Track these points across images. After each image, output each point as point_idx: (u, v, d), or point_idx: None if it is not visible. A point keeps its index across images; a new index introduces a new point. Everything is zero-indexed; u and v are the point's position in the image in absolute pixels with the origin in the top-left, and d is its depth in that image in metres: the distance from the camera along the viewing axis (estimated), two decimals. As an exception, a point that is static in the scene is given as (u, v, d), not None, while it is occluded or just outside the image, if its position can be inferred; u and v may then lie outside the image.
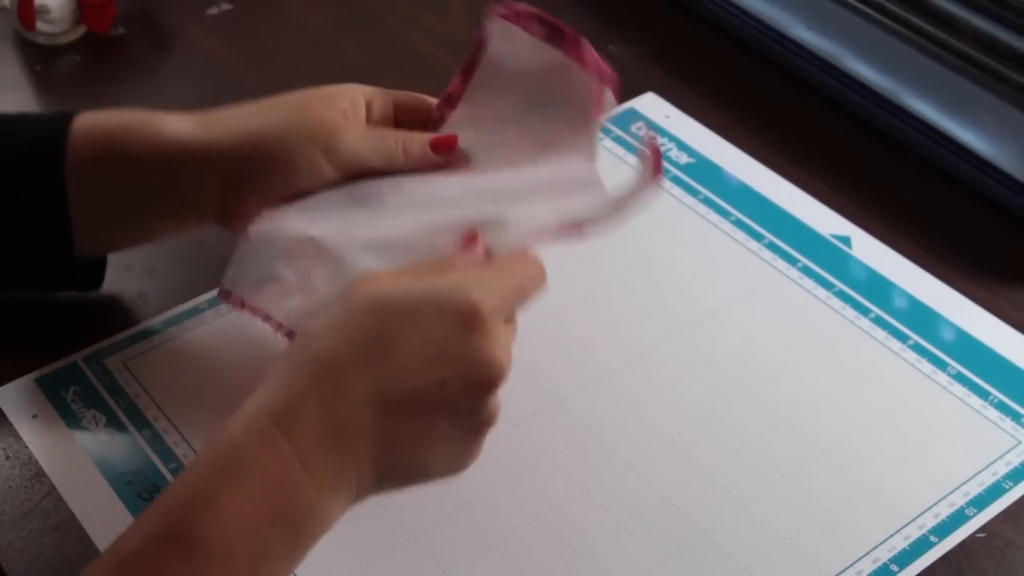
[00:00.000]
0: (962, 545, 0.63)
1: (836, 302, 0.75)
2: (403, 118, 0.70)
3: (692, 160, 0.85)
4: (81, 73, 0.93)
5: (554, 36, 0.68)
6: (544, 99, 0.69)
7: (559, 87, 0.69)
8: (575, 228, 0.63)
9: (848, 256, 0.78)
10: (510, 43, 0.69)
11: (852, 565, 0.62)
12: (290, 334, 0.64)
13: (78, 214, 0.67)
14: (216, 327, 0.73)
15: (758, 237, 0.79)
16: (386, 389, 0.54)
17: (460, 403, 0.55)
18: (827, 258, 0.78)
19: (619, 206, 0.64)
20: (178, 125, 0.67)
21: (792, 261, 0.78)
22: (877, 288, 0.76)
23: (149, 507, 0.52)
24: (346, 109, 0.67)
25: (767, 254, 0.78)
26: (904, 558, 0.62)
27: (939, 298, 0.76)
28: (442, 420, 0.55)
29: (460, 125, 0.70)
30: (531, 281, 0.60)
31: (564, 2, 0.99)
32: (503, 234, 0.63)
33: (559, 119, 0.69)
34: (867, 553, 0.62)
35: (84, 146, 0.66)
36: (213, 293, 0.74)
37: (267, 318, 0.65)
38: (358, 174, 0.67)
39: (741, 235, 0.79)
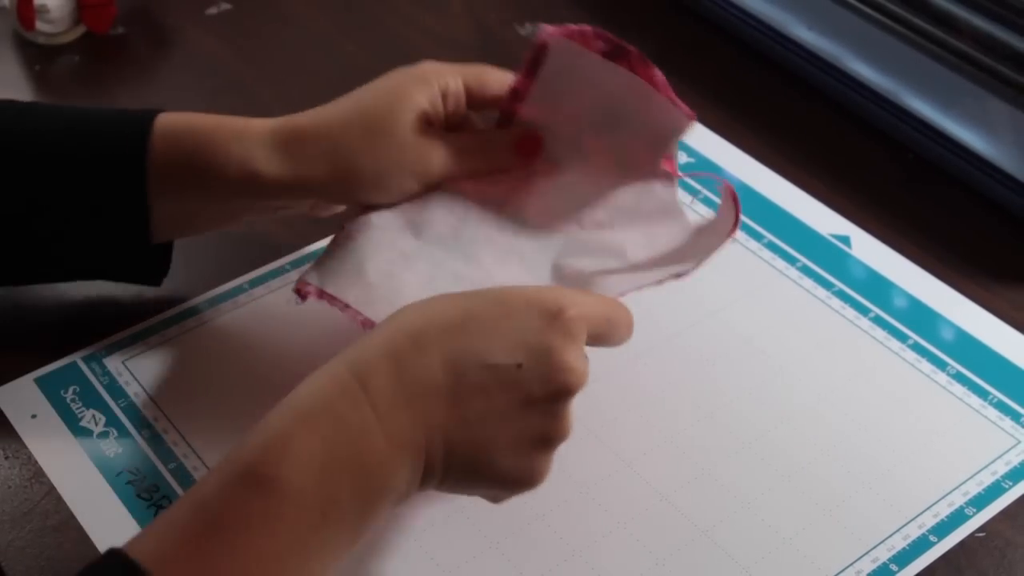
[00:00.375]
0: (962, 544, 0.63)
1: (836, 302, 0.75)
2: (474, 101, 0.71)
3: (691, 160, 0.85)
4: (81, 73, 0.93)
5: (619, 54, 0.68)
6: (617, 115, 0.69)
7: (634, 106, 0.69)
8: (656, 283, 0.65)
9: (848, 256, 0.78)
10: (572, 57, 0.69)
11: (851, 565, 0.62)
12: (367, 323, 0.64)
13: (159, 218, 0.68)
14: (217, 326, 0.73)
15: (757, 237, 0.79)
16: (463, 359, 0.55)
17: (534, 396, 0.55)
18: (827, 258, 0.78)
19: (699, 260, 0.65)
20: (266, 155, 0.67)
21: (791, 261, 0.78)
22: (877, 288, 0.76)
23: (228, 452, 0.53)
24: (430, 116, 0.69)
25: (767, 254, 0.78)
26: (903, 557, 0.62)
27: (939, 298, 0.76)
28: (514, 409, 0.55)
29: (533, 125, 0.71)
30: (619, 320, 0.61)
31: (563, 2, 1.00)
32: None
33: (637, 140, 0.69)
34: (866, 553, 0.63)
35: (167, 155, 0.67)
36: (214, 292, 0.75)
37: (345, 307, 0.65)
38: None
39: (740, 235, 0.79)
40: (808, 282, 0.76)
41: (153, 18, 0.98)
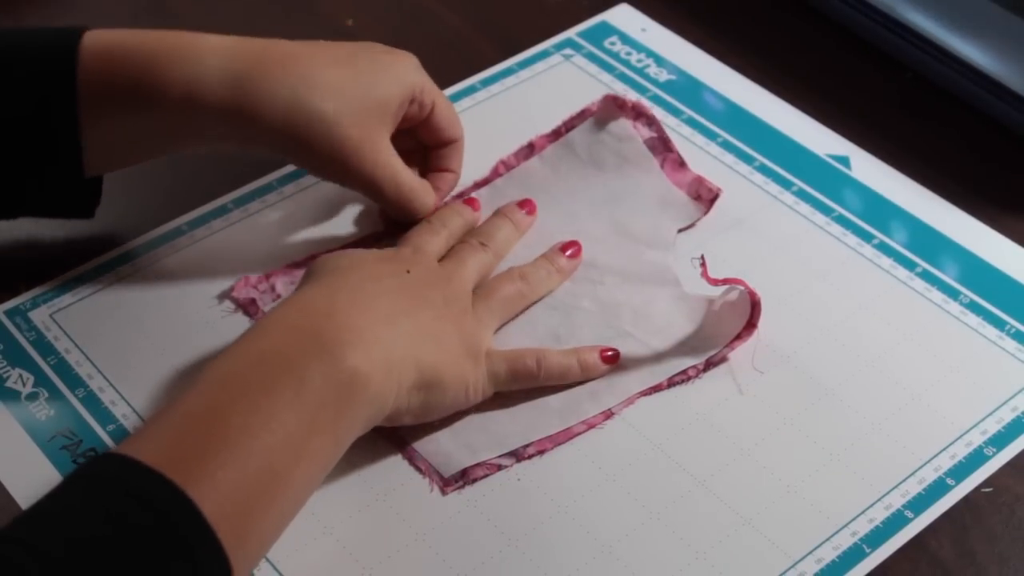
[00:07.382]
0: (966, 500, 0.63)
1: (836, 228, 0.75)
2: (426, 127, 0.74)
3: (673, 77, 0.84)
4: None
5: (658, 145, 0.77)
6: (625, 192, 0.75)
7: (649, 192, 0.75)
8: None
9: (848, 178, 0.78)
10: (611, 127, 0.77)
11: (863, 512, 0.62)
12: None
13: (93, 144, 0.67)
14: (154, 272, 0.72)
15: (748, 160, 0.79)
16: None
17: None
18: (825, 180, 0.78)
19: (709, 358, 0.68)
20: (216, 79, 0.66)
21: (787, 185, 0.77)
22: (880, 212, 0.76)
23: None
24: (395, 114, 0.70)
25: (759, 177, 0.78)
26: (919, 503, 0.62)
27: (948, 221, 0.76)
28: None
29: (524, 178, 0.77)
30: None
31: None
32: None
33: (641, 219, 0.74)
34: (879, 499, 0.62)
35: (100, 76, 0.66)
36: (151, 235, 0.74)
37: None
38: None
39: (730, 158, 0.79)
40: (805, 207, 0.76)
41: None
